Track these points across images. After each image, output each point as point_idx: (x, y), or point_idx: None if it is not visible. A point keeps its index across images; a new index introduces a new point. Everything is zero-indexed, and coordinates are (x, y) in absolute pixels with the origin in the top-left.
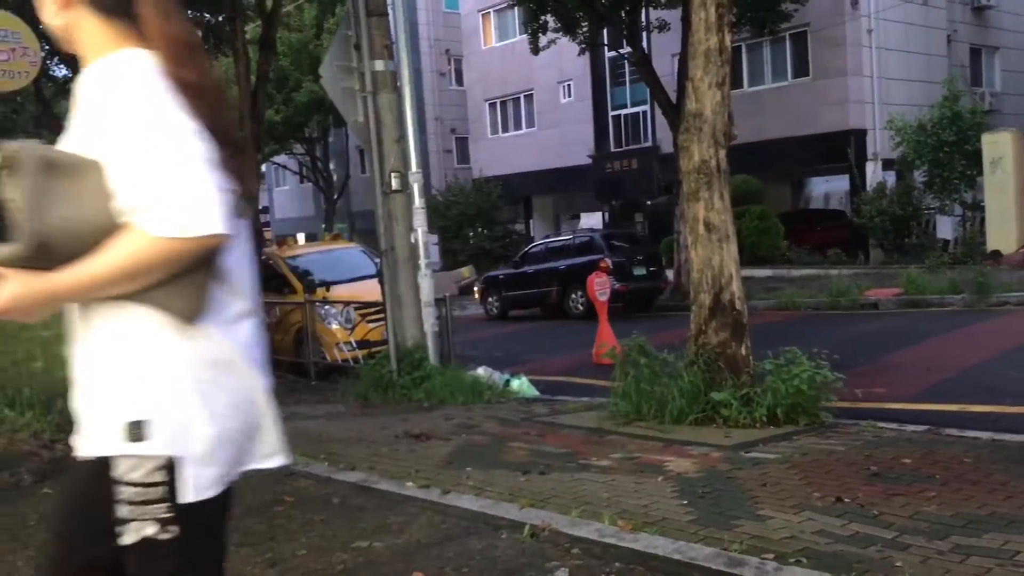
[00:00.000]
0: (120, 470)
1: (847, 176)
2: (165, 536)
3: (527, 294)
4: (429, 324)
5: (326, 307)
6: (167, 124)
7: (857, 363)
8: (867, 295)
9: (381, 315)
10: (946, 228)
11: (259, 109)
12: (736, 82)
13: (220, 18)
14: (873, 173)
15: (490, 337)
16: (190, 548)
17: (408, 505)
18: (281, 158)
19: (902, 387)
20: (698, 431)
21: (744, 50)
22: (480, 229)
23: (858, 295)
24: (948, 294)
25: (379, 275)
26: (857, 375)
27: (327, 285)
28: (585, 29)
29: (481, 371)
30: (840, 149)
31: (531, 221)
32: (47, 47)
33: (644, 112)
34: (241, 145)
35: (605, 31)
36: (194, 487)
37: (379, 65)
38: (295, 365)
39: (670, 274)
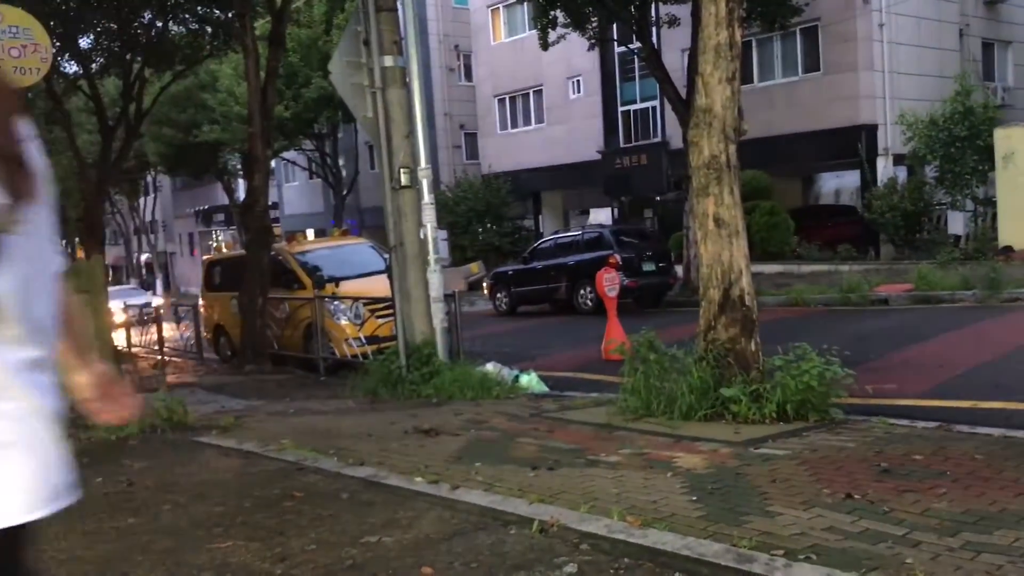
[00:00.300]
0: None
1: (858, 171)
2: None
3: (536, 290)
4: (438, 320)
5: (335, 303)
6: None
7: (868, 359)
8: (878, 291)
9: (390, 311)
10: (957, 224)
11: (268, 105)
12: (746, 77)
13: (230, 15)
14: (884, 168)
15: (499, 333)
16: None
17: (417, 500)
18: (290, 154)
19: (913, 383)
20: (707, 427)
21: (754, 45)
22: (489, 225)
23: (868, 291)
24: (959, 290)
25: (388, 271)
26: (868, 371)
27: (336, 281)
28: (594, 24)
29: (490, 367)
30: (851, 144)
31: (540, 217)
32: (58, 44)
33: (654, 107)
34: (8, 153)
35: (614, 26)
36: None
37: (388, 61)
38: (304, 361)
39: (679, 270)
